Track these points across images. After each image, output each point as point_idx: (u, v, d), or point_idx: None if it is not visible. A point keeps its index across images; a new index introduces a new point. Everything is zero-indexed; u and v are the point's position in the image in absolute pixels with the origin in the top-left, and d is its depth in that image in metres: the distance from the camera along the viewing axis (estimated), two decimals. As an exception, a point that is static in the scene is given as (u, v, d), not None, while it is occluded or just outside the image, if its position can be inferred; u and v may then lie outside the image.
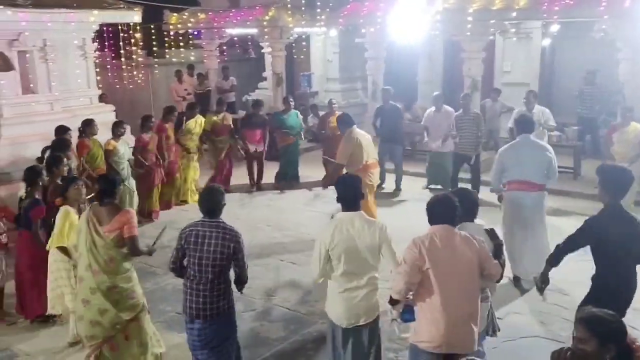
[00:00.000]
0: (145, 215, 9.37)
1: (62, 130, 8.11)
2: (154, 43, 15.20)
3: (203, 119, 10.39)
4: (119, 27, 11.94)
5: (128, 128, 9.67)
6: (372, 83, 13.04)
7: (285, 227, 9.06)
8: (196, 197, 10.04)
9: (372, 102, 12.94)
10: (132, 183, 9.07)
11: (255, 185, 11.22)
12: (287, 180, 11.25)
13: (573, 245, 4.69)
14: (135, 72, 14.49)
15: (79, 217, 5.45)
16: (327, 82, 16.56)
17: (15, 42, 9.12)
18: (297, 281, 7.12)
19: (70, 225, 5.50)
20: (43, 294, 5.97)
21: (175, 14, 14.96)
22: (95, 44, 10.89)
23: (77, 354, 5.62)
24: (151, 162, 9.35)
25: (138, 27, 12.34)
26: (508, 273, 6.81)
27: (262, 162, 11.25)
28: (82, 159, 8.43)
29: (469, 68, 11.15)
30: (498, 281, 4.28)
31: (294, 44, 15.41)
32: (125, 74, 14.57)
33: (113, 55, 15.02)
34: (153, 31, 14.91)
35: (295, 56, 16.44)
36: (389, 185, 10.91)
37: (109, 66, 14.68)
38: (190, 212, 9.81)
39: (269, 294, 6.79)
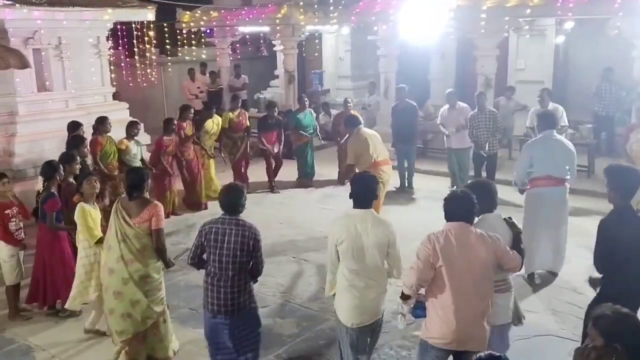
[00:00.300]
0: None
1: (75, 126, 8.19)
2: (167, 41, 15.26)
3: (220, 118, 10.44)
4: (133, 26, 12.02)
5: (141, 126, 9.72)
6: (384, 81, 13.01)
7: (297, 224, 9.08)
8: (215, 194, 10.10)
9: (385, 101, 12.91)
10: None
11: (272, 184, 11.23)
12: (309, 179, 11.26)
13: (604, 250, 4.48)
14: (148, 70, 14.57)
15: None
16: (338, 80, 16.55)
17: (31, 40, 9.22)
18: (309, 278, 7.13)
19: (93, 219, 5.62)
20: (58, 284, 6.10)
21: (187, 12, 15.02)
22: (110, 42, 10.98)
23: (91, 348, 5.69)
24: (168, 165, 9.37)
25: (151, 26, 12.41)
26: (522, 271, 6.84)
27: (278, 161, 11.26)
28: (96, 155, 8.50)
29: (482, 66, 11.09)
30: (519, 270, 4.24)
31: (304, 42, 15.41)
32: (138, 72, 14.66)
33: (127, 53, 15.11)
34: (166, 29, 14.98)
35: (305, 54, 16.44)
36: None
37: (122, 64, 14.79)
38: (205, 210, 9.87)
39: (282, 291, 6.81)
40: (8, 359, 5.53)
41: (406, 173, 10.72)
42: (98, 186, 5.91)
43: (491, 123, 9.54)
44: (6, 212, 6.11)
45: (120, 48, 14.21)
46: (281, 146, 11.09)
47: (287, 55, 14.15)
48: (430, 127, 12.09)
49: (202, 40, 16.60)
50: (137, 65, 14.67)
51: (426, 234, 4.08)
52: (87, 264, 5.70)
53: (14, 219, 6.15)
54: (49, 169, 6.17)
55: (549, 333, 5.70)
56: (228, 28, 14.73)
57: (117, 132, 9.15)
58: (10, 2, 8.79)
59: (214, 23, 14.73)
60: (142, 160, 9.06)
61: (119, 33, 12.96)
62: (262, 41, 17.06)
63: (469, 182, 4.45)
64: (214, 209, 9.66)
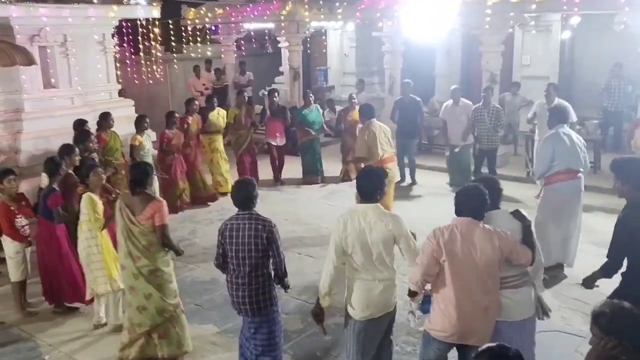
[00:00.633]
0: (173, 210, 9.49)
1: (80, 124, 8.25)
2: (172, 38, 15.29)
3: (224, 111, 10.47)
4: (138, 23, 12.03)
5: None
6: (389, 77, 12.99)
7: (303, 221, 9.08)
8: (228, 188, 10.14)
9: (389, 97, 12.89)
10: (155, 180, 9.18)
11: (279, 181, 11.26)
12: (318, 176, 11.26)
13: (621, 250, 4.39)
14: (154, 67, 14.59)
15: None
16: (343, 77, 16.54)
17: (36, 37, 9.23)
18: (314, 275, 7.12)
19: (99, 210, 5.68)
20: (63, 282, 6.15)
21: (192, 9, 15.03)
22: (115, 39, 11.00)
23: (97, 342, 5.72)
24: (173, 158, 9.41)
25: (157, 23, 12.43)
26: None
27: (282, 156, 11.29)
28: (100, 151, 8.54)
29: (487, 62, 11.05)
30: (531, 264, 4.08)
31: (309, 39, 15.40)
32: (144, 69, 14.68)
33: (132, 50, 15.14)
34: (171, 26, 15.00)
35: (310, 51, 16.42)
36: (407, 178, 10.88)
37: (128, 61, 14.82)
38: (209, 206, 9.91)
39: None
40: (15, 354, 5.56)
41: (408, 169, 10.72)
42: (104, 177, 6.00)
43: (493, 119, 9.53)
44: (12, 208, 6.15)
45: (125, 45, 14.24)
46: (285, 138, 11.15)
47: (292, 52, 14.15)
48: (436, 123, 12.06)
49: (207, 37, 16.61)
50: (143, 62, 14.69)
51: (430, 230, 4.06)
52: (91, 254, 5.72)
53: (19, 216, 6.18)
54: (52, 166, 6.19)
55: (555, 329, 5.68)
56: (233, 25, 14.73)
57: (123, 129, 9.18)
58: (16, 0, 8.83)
59: (219, 20, 14.73)
60: (152, 156, 9.13)
61: (124, 30, 13.00)
62: (267, 38, 17.05)
63: (473, 178, 4.38)
64: (218, 204, 9.82)
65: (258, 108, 13.70)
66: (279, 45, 15.03)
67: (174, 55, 16.57)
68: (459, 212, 4.04)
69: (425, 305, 4.20)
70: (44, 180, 6.46)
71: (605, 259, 4.49)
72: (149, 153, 8.98)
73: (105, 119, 8.64)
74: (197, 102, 10.20)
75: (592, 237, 7.55)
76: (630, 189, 4.41)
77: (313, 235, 8.47)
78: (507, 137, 12.10)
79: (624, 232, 4.32)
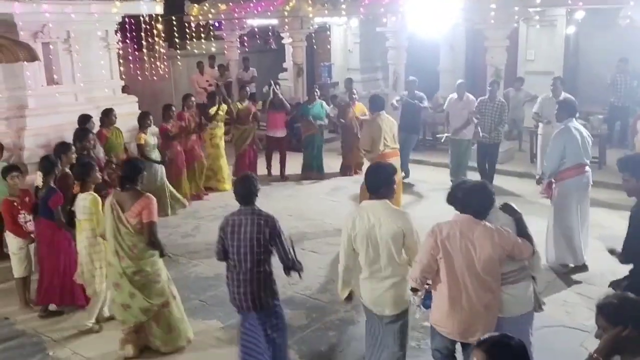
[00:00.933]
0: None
1: (84, 119, 8.25)
2: (176, 34, 15.26)
3: (225, 107, 10.48)
4: (141, 19, 12.01)
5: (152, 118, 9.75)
6: (393, 73, 12.94)
7: (306, 216, 9.07)
8: (228, 185, 10.21)
9: (394, 93, 12.85)
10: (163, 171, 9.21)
11: (281, 176, 11.25)
12: (313, 171, 11.26)
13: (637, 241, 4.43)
14: (157, 64, 14.58)
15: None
16: (347, 73, 16.46)
17: (40, 34, 9.22)
18: (318, 270, 7.13)
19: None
20: (58, 282, 6.09)
21: (196, 5, 15.02)
22: (118, 35, 10.98)
23: (101, 337, 5.72)
24: (175, 150, 9.44)
25: (160, 19, 12.40)
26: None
27: (284, 150, 11.28)
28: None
29: (491, 57, 11.01)
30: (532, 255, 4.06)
31: (313, 35, 15.36)
32: (147, 66, 14.67)
33: (135, 47, 15.13)
34: (174, 22, 14.97)
35: (315, 47, 16.39)
36: (414, 175, 10.89)
37: (131, 58, 14.81)
38: (212, 202, 9.91)
39: (291, 283, 6.78)
40: (19, 349, 5.57)
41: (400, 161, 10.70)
42: (99, 177, 6.01)
43: (498, 113, 9.49)
44: (15, 204, 6.15)
45: (128, 42, 14.23)
46: (287, 131, 11.20)
47: (295, 48, 14.12)
48: (440, 119, 12.03)
49: (211, 33, 16.57)
50: (146, 58, 14.69)
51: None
52: (93, 252, 5.71)
53: (22, 212, 6.18)
54: (47, 164, 6.14)
55: (560, 324, 5.66)
56: (236, 21, 14.72)
57: (127, 125, 9.18)
58: (19, -4, 8.82)
59: (222, 16, 14.71)
60: (158, 149, 9.17)
61: (128, 26, 12.98)
62: (270, 34, 17.04)
63: (467, 183, 4.26)
64: (222, 200, 9.81)
65: (259, 105, 13.72)
66: (283, 41, 15.00)
67: (178, 51, 16.56)
68: (462, 208, 4.00)
69: (427, 301, 4.19)
70: (38, 179, 6.42)
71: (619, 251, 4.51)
72: (155, 149, 8.99)
73: (107, 116, 8.65)
74: (193, 99, 10.21)
75: (598, 231, 7.53)
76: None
77: (316, 231, 8.45)
78: (512, 132, 12.06)
79: (636, 226, 4.31)
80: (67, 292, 6.11)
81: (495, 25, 10.61)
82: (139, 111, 9.67)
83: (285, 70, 15.74)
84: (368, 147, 7.79)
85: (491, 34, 10.89)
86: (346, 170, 11.27)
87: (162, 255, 5.25)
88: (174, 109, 9.61)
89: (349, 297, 4.61)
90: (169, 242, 7.36)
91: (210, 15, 14.82)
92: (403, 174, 10.36)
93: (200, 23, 15.40)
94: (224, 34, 15.31)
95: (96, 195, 5.70)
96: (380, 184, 4.31)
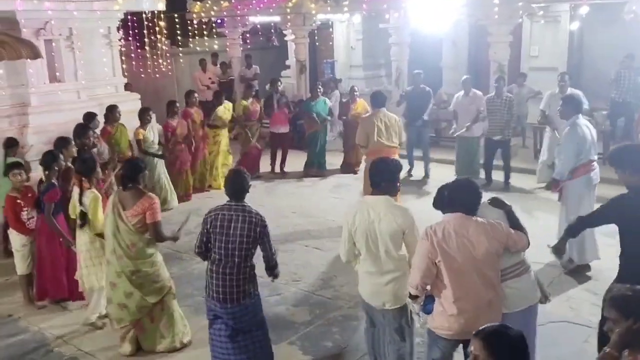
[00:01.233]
0: (180, 198, 9.59)
1: (89, 117, 8.26)
2: (178, 32, 15.25)
3: (231, 105, 10.48)
4: (143, 16, 12.00)
5: (154, 115, 9.75)
6: (396, 69, 12.91)
7: (310, 213, 9.06)
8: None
9: (396, 89, 12.82)
10: (164, 168, 9.23)
11: (280, 172, 11.27)
12: (316, 168, 11.25)
13: (596, 220, 4.54)
14: (159, 61, 14.58)
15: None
16: (350, 70, 16.45)
17: (42, 31, 9.21)
18: (322, 266, 7.12)
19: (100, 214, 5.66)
20: (60, 279, 6.12)
21: (198, 2, 14.98)
22: (120, 33, 10.97)
23: (103, 333, 5.72)
24: (179, 147, 9.46)
25: (162, 16, 12.39)
26: (539, 259, 6.73)
27: (286, 147, 11.27)
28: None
29: (495, 52, 10.97)
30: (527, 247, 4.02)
31: (315, 31, 15.33)
32: (149, 63, 14.67)
33: (138, 44, 15.13)
34: (177, 20, 14.96)
35: (318, 43, 16.36)
36: (418, 172, 10.82)
37: (133, 55, 14.80)
38: (215, 199, 9.88)
39: (295, 279, 6.81)
40: (23, 346, 5.57)
41: (423, 163, 10.63)
42: (100, 172, 6.02)
43: (507, 109, 9.43)
44: (18, 201, 6.15)
45: (131, 39, 14.22)
46: (288, 127, 11.21)
47: (298, 45, 14.09)
48: (443, 115, 11.99)
49: (213, 30, 16.57)
50: (149, 56, 14.68)
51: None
52: (92, 249, 5.70)
53: (25, 209, 6.18)
54: (48, 158, 6.17)
55: (564, 319, 5.64)
56: (239, 18, 14.69)
57: (130, 123, 9.17)
58: (21, -7, 8.81)
59: (225, 13, 14.68)
60: (159, 144, 9.19)
61: (130, 24, 12.98)
62: (273, 31, 16.99)
63: (453, 180, 4.18)
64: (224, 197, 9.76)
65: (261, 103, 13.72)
66: (286, 38, 14.97)
67: (180, 49, 16.55)
68: (450, 206, 3.91)
69: (427, 306, 4.07)
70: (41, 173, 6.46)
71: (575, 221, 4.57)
72: (155, 144, 9.00)
73: (111, 112, 8.67)
74: (196, 95, 10.22)
75: (604, 227, 7.46)
76: (632, 173, 4.31)
77: (320, 228, 8.44)
78: (516, 128, 12.00)
79: (613, 206, 4.30)
80: (64, 286, 6.15)
81: (498, 20, 10.58)
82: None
83: (288, 67, 15.71)
84: (363, 143, 7.87)
85: (494, 30, 10.85)
86: (348, 167, 11.25)
87: (175, 240, 5.33)
88: (178, 105, 9.64)
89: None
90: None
91: (212, 12, 14.79)
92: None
93: (203, 20, 15.39)
94: (226, 31, 15.28)
95: (97, 192, 5.68)
96: (381, 179, 4.28)
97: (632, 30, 10.91)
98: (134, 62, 14.47)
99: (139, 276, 5.09)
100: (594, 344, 4.42)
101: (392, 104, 12.13)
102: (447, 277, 3.78)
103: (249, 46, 16.73)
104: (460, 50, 14.53)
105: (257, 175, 10.78)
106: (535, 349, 4.15)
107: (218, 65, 15.45)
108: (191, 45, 16.38)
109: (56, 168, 6.18)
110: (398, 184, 4.46)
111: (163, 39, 14.66)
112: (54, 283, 6.18)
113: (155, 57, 14.56)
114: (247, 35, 16.12)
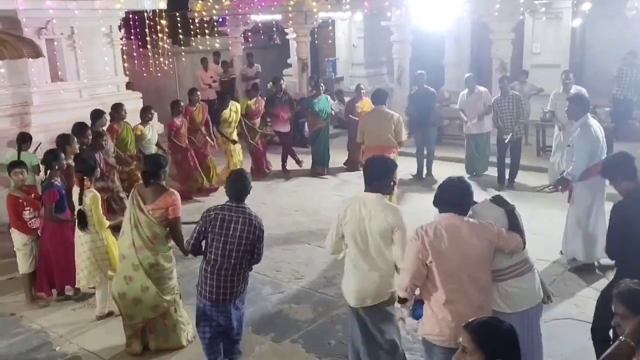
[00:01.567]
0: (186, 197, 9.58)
1: (96, 115, 8.32)
2: (180, 31, 15.24)
3: (237, 105, 10.48)
4: (145, 15, 11.99)
5: (155, 114, 9.74)
6: (397, 67, 12.88)
7: (312, 212, 9.04)
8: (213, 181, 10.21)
9: (398, 87, 12.80)
10: None
11: (282, 170, 11.27)
12: (322, 167, 11.23)
13: (617, 236, 4.35)
14: (161, 60, 14.58)
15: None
16: (352, 68, 16.44)
17: (44, 30, 9.23)
18: (324, 264, 7.10)
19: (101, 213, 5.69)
20: (65, 270, 6.15)
21: (200, 1, 14.97)
22: (122, 32, 10.98)
23: (107, 330, 5.71)
24: (185, 146, 9.48)
25: (163, 15, 12.39)
26: (544, 256, 6.75)
27: (287, 144, 11.26)
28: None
29: (497, 50, 10.94)
30: (523, 248, 3.91)
31: (317, 29, 15.32)
32: (151, 62, 14.67)
33: (139, 43, 15.12)
34: (178, 19, 14.96)
35: (318, 42, 16.34)
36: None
37: (135, 54, 14.80)
38: (218, 198, 9.87)
39: (297, 277, 6.79)
40: (26, 344, 5.56)
41: (425, 160, 10.59)
42: (98, 172, 6.03)
43: (515, 107, 9.38)
44: (20, 200, 6.13)
45: (133, 38, 14.22)
46: (291, 126, 11.26)
47: (299, 43, 14.07)
48: (446, 113, 11.97)
49: (215, 29, 16.55)
50: (150, 55, 14.68)
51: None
52: (94, 248, 5.71)
53: (27, 208, 6.17)
54: (49, 157, 6.18)
55: (568, 317, 5.62)
56: (240, 16, 14.67)
57: (132, 122, 9.16)
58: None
59: (226, 12, 14.67)
60: (157, 144, 9.15)
61: (132, 23, 12.98)
62: (274, 29, 16.99)
63: (445, 180, 4.08)
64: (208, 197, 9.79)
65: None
66: (287, 36, 14.97)
67: (182, 47, 16.55)
68: (441, 207, 3.82)
69: (417, 311, 3.97)
70: (42, 172, 6.49)
71: None
72: (152, 143, 9.00)
73: (117, 110, 8.66)
74: (199, 93, 10.21)
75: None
76: (622, 180, 4.35)
77: (322, 226, 8.36)
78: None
79: (617, 219, 4.32)
80: (72, 274, 6.10)
81: (500, 17, 10.55)
82: (144, 107, 9.68)
83: (290, 65, 15.70)
84: (360, 139, 8.07)
85: (496, 27, 10.83)
86: (352, 165, 11.23)
87: (184, 254, 5.16)
88: (182, 104, 9.62)
89: None
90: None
91: (214, 11, 14.78)
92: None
93: (204, 19, 15.37)
94: (228, 30, 15.27)
95: (96, 192, 5.70)
96: (374, 176, 4.26)
97: (634, 27, 10.90)
98: (135, 61, 14.49)
99: (157, 270, 5.08)
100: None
101: (395, 102, 12.15)
102: (438, 278, 3.67)
103: (250, 45, 16.73)
104: (463, 48, 14.50)
105: (265, 174, 10.93)
106: (541, 349, 4.11)
107: (220, 64, 15.44)
108: (193, 44, 16.38)
109: (56, 167, 6.17)
110: (392, 183, 4.40)
111: (165, 37, 14.66)
112: (60, 273, 6.20)
113: (156, 55, 14.56)
114: (249, 33, 16.11)
